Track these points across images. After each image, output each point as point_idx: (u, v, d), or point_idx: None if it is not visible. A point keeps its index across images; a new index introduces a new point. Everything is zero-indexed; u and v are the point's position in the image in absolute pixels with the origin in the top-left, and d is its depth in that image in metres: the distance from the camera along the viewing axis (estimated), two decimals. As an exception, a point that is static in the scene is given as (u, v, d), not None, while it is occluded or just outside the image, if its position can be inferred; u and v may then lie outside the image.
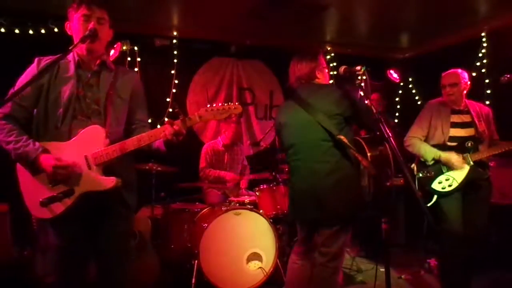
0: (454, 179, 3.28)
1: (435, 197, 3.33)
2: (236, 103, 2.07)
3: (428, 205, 3.32)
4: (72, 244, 2.06)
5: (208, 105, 2.05)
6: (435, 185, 3.34)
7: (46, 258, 3.44)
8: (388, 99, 6.22)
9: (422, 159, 3.44)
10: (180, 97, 5.37)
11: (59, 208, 1.97)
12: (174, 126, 1.98)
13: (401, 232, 5.34)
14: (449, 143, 3.36)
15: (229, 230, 3.62)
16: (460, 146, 3.32)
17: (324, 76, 2.80)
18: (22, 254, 3.85)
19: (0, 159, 2.01)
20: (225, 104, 2.05)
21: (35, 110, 2.07)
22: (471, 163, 3.27)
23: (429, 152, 3.36)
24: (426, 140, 3.46)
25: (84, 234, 2.08)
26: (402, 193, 5.25)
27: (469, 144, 3.30)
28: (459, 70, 3.43)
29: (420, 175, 3.44)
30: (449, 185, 3.28)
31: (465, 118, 3.39)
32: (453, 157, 3.28)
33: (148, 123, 2.34)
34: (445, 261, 3.46)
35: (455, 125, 3.37)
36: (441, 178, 3.34)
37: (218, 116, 2.05)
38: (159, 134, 2.02)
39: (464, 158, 3.28)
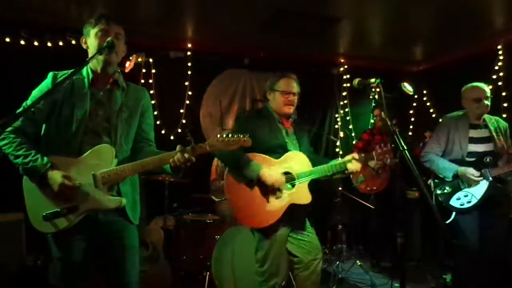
0: (473, 195, 3.18)
1: (453, 214, 3.23)
2: (247, 136, 2.11)
3: (447, 222, 3.22)
4: (74, 258, 2.05)
5: (218, 135, 2.08)
6: (454, 202, 3.25)
7: (56, 269, 3.46)
8: (402, 112, 6.18)
9: (440, 176, 3.34)
10: (193, 109, 5.41)
11: (62, 223, 1.98)
12: (185, 154, 2.00)
13: (417, 247, 5.26)
14: (467, 159, 3.28)
15: (241, 242, 3.60)
16: (479, 161, 3.24)
17: (275, 100, 2.87)
18: (36, 263, 3.88)
19: (14, 169, 2.03)
20: (235, 136, 2.09)
21: (45, 125, 2.09)
22: (490, 178, 3.18)
23: (448, 169, 3.27)
24: (444, 155, 3.38)
25: (87, 248, 2.07)
26: (418, 206, 5.18)
27: (488, 159, 3.21)
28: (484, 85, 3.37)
29: (438, 191, 3.34)
30: (468, 202, 3.19)
31: (483, 133, 3.32)
32: (469, 170, 3.21)
33: (159, 132, 2.35)
34: (460, 277, 3.37)
35: (473, 140, 3.30)
36: (460, 194, 3.25)
37: (227, 147, 2.09)
38: (168, 159, 2.04)
39: (482, 174, 3.20)
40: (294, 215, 2.75)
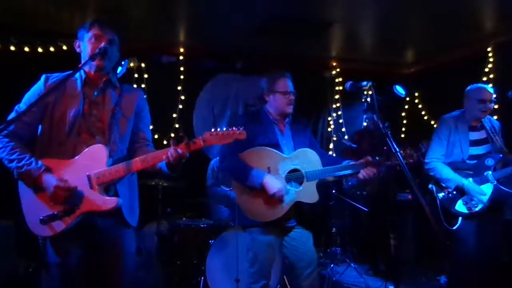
0: (479, 199, 3.14)
1: (460, 219, 3.17)
2: (241, 128, 2.08)
3: (454, 228, 3.16)
4: (71, 263, 2.03)
5: (213, 129, 2.06)
6: (460, 207, 3.18)
7: (51, 274, 3.43)
8: (394, 115, 6.21)
9: (442, 185, 3.26)
10: (186, 113, 5.40)
11: (59, 226, 1.96)
12: (178, 150, 1.99)
13: (411, 249, 5.27)
14: (468, 161, 3.24)
15: (235, 247, 3.59)
16: (480, 164, 3.20)
17: (276, 102, 2.84)
18: (27, 270, 3.83)
19: (5, 174, 2.01)
20: (229, 129, 2.07)
21: (39, 127, 2.09)
22: (494, 181, 3.14)
23: (451, 180, 3.20)
24: (444, 157, 3.32)
25: (84, 253, 2.05)
26: (412, 209, 5.20)
27: (489, 162, 3.17)
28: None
29: (442, 195, 3.26)
30: (475, 206, 3.13)
31: (481, 135, 3.30)
32: (476, 189, 3.14)
33: (152, 137, 2.35)
34: (456, 280, 3.37)
35: (473, 143, 3.27)
36: (466, 198, 3.17)
37: (222, 141, 2.07)
38: (162, 156, 2.03)
39: (486, 177, 3.16)
40: (298, 217, 2.75)
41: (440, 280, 4.20)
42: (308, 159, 2.75)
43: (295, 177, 2.70)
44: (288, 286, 3.61)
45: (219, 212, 4.50)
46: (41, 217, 1.95)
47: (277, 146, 2.76)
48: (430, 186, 3.36)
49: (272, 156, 2.69)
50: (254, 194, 2.63)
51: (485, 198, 3.13)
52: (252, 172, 2.60)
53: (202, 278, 3.50)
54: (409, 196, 5.08)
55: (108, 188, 2.06)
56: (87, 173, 2.00)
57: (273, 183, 2.58)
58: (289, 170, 2.70)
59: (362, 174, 2.65)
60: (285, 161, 2.70)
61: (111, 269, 2.11)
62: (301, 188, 2.69)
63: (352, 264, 4.62)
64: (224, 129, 2.06)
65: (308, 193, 2.70)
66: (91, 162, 2.01)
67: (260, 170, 2.62)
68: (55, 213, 1.96)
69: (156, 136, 5.05)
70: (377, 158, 2.65)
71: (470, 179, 3.20)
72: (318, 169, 2.71)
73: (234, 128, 2.07)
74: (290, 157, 2.73)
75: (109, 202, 2.00)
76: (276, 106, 2.85)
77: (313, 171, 2.70)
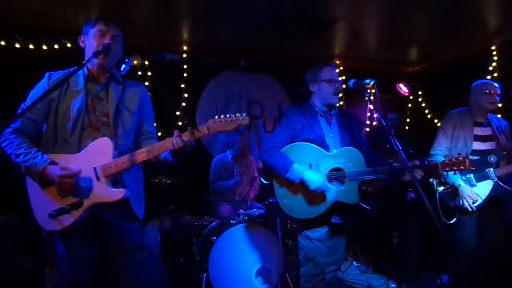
0: (478, 195, 3.13)
1: (457, 213, 3.18)
2: (244, 114, 2.07)
3: (451, 222, 3.17)
4: (80, 257, 2.06)
5: (216, 117, 2.06)
6: (458, 202, 3.18)
7: (56, 270, 3.45)
8: (397, 113, 6.20)
9: (442, 179, 3.28)
10: (189, 111, 5.41)
11: (67, 220, 1.98)
12: (183, 137, 2.00)
13: (413, 247, 5.26)
14: (471, 156, 3.18)
15: (238, 244, 3.60)
16: (483, 160, 3.20)
17: (322, 91, 2.80)
18: (32, 266, 3.85)
19: (10, 170, 2.03)
20: (233, 116, 2.06)
21: (44, 124, 2.11)
22: (495, 178, 3.14)
23: (450, 177, 3.20)
24: (449, 150, 3.32)
25: (93, 247, 2.08)
26: (415, 207, 5.19)
27: (492, 159, 3.17)
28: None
29: (441, 189, 3.27)
30: (473, 202, 3.13)
31: (487, 132, 3.30)
32: (468, 191, 3.12)
33: (156, 134, 2.37)
34: (458, 278, 3.37)
35: (478, 138, 3.28)
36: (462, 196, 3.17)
37: (226, 127, 2.05)
38: (167, 145, 2.04)
39: (487, 173, 3.16)
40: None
41: (442, 279, 4.19)
42: (352, 159, 2.69)
43: (337, 176, 2.66)
44: (291, 285, 3.62)
45: (222, 209, 4.52)
46: (49, 212, 1.97)
47: (323, 140, 2.70)
48: (431, 179, 3.36)
49: (314, 152, 2.65)
50: (294, 191, 2.62)
51: (484, 193, 3.14)
52: (292, 166, 2.56)
53: (205, 275, 3.51)
54: (412, 195, 5.07)
55: (115, 180, 2.08)
56: (94, 166, 2.01)
57: (314, 179, 2.55)
58: (331, 168, 2.66)
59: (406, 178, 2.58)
60: (328, 159, 2.65)
61: (120, 262, 2.13)
62: (342, 188, 2.66)
63: (354, 262, 4.62)
64: (228, 115, 2.06)
65: (349, 194, 2.67)
66: (97, 155, 2.03)
67: (301, 165, 2.58)
68: (64, 207, 1.98)
69: (159, 134, 5.07)
70: (425, 162, 2.61)
71: (471, 175, 3.19)
72: (361, 169, 2.66)
73: (237, 114, 2.06)
74: (333, 155, 2.67)
75: (116, 193, 2.02)
76: (322, 97, 2.80)
77: (356, 171, 2.65)
